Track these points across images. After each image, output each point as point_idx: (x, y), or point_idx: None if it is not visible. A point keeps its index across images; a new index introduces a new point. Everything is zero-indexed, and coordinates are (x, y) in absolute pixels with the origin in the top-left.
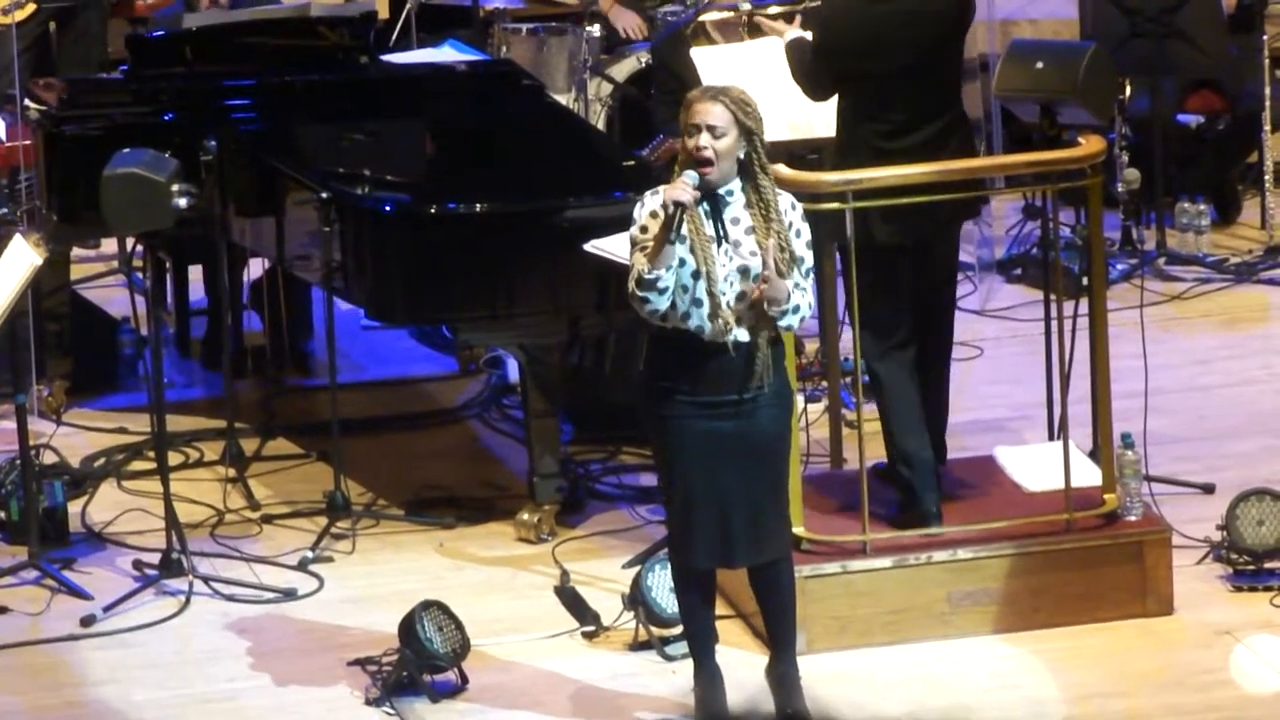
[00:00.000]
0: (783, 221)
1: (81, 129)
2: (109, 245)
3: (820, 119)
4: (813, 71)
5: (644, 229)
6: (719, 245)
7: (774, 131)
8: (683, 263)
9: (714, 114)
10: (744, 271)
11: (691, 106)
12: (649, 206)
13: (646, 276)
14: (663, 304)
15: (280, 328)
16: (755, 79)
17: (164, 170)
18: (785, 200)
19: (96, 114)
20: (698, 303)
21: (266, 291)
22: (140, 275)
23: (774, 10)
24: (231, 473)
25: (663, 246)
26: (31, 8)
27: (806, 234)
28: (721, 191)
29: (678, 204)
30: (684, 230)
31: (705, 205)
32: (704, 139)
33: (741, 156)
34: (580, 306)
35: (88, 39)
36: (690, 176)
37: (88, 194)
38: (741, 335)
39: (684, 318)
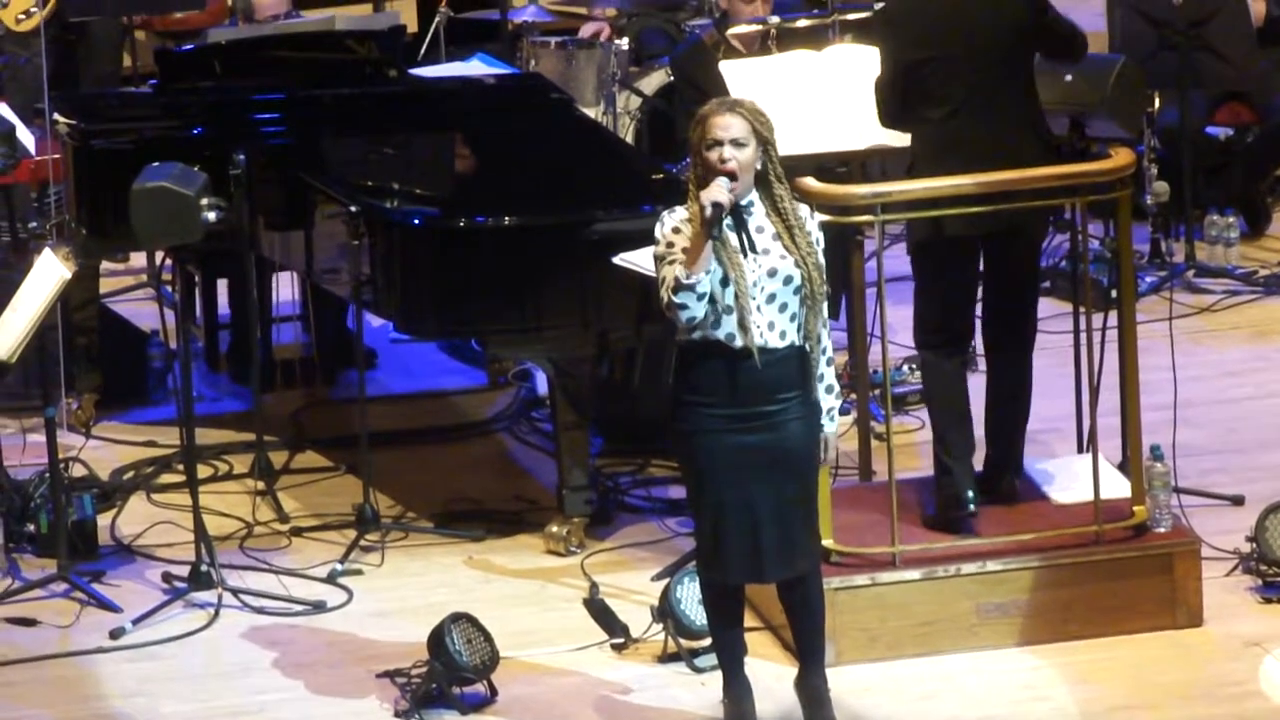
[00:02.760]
0: (805, 230)
1: (110, 143)
2: (138, 259)
3: (849, 132)
4: (885, 82)
5: (670, 245)
6: (745, 255)
7: (802, 144)
8: (715, 266)
9: (734, 126)
10: (773, 273)
11: (708, 120)
12: (670, 223)
13: (686, 281)
14: (701, 311)
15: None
16: (784, 91)
17: (193, 184)
18: (804, 209)
19: (125, 128)
20: (728, 309)
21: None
22: (169, 289)
23: (800, 24)
24: (261, 486)
25: (701, 249)
26: (37, 19)
27: (822, 241)
28: (742, 204)
29: (716, 205)
30: (715, 234)
31: (729, 220)
32: (728, 151)
33: (759, 167)
34: (609, 320)
35: (103, 55)
36: (723, 180)
37: (117, 208)
38: (774, 341)
39: (714, 325)
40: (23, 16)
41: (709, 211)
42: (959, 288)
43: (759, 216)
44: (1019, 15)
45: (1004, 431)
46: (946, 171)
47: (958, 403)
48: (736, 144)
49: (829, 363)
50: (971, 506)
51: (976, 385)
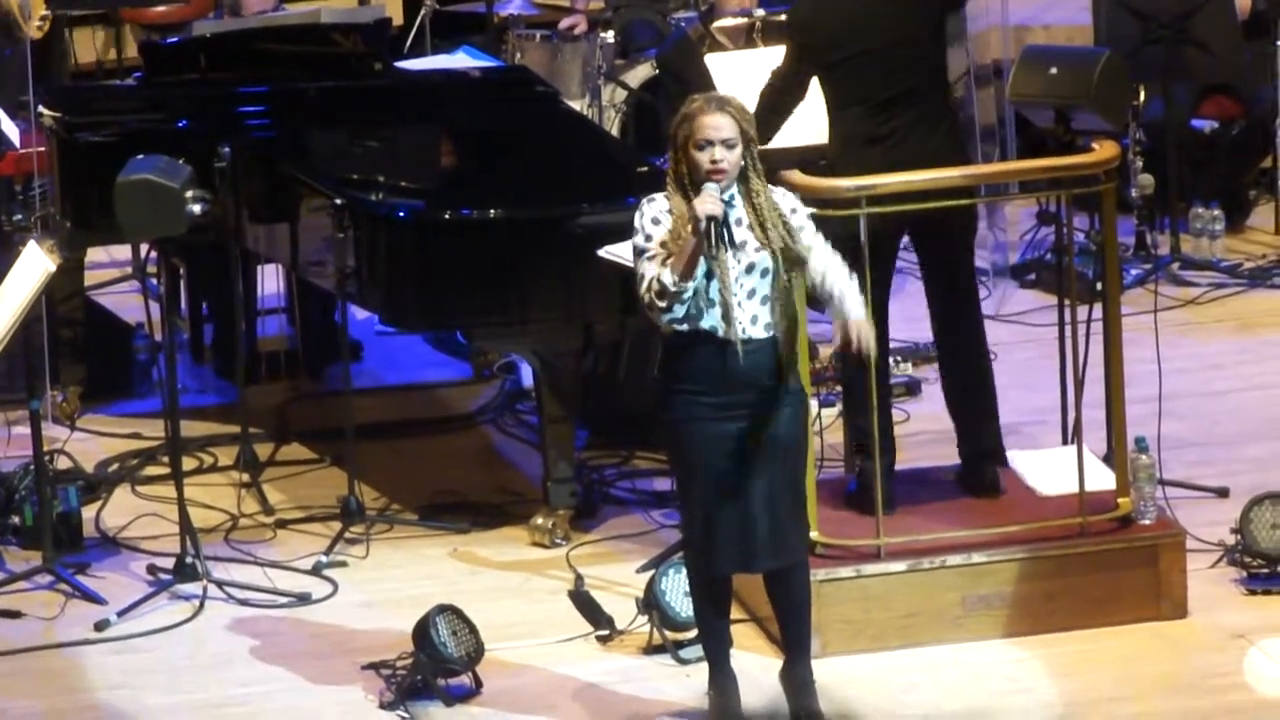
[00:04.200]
0: (776, 221)
1: (95, 136)
2: (122, 251)
3: None
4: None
5: (648, 237)
6: (728, 251)
7: (786, 138)
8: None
9: (725, 127)
10: (750, 269)
11: (697, 120)
12: (649, 214)
13: (673, 289)
14: (681, 312)
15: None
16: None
17: (178, 177)
18: (777, 193)
19: (110, 121)
20: (710, 303)
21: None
22: (154, 281)
23: (784, 18)
24: (246, 478)
25: (696, 261)
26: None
27: (804, 211)
28: (724, 198)
29: (710, 217)
30: (713, 254)
31: None
32: (719, 153)
33: (741, 163)
34: (594, 312)
35: (61, 53)
36: (712, 188)
37: (101, 201)
38: (756, 333)
39: (699, 318)
40: (39, 23)
41: (703, 225)
42: (877, 286)
43: (739, 210)
44: (932, 7)
45: (975, 423)
46: (867, 168)
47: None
48: (727, 145)
49: (840, 264)
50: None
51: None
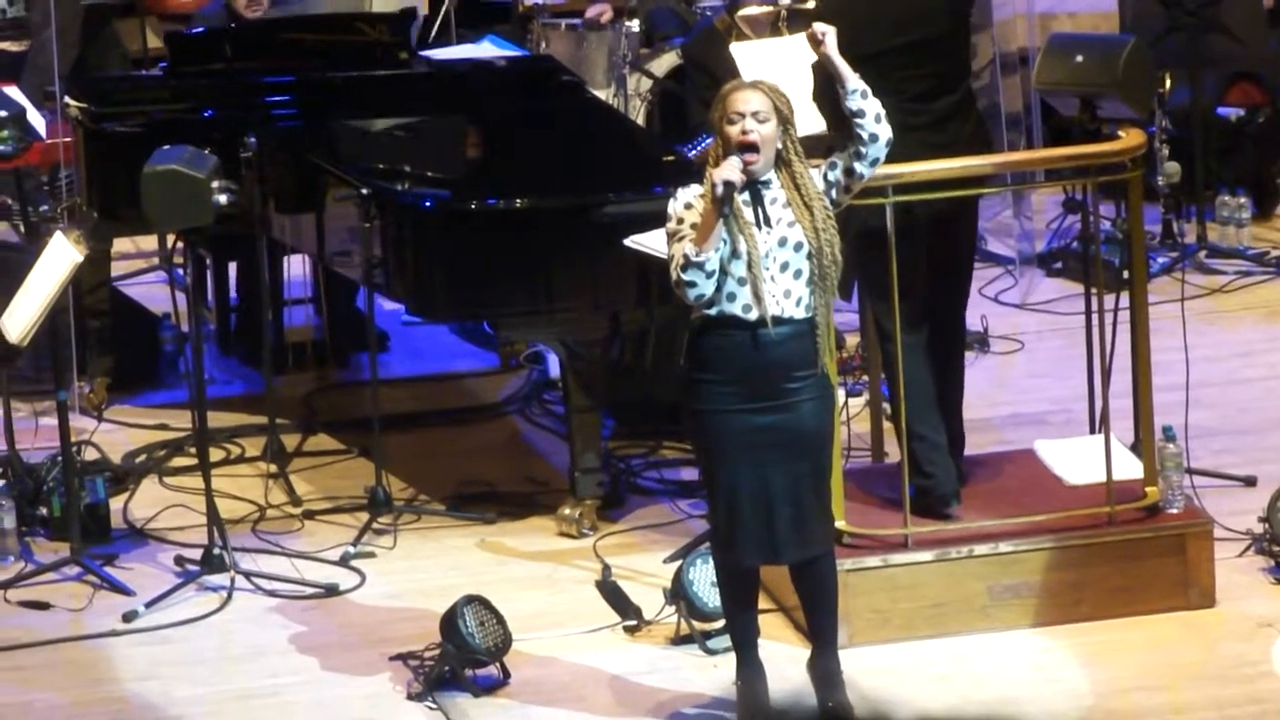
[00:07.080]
0: (826, 208)
1: (121, 126)
2: (149, 242)
3: None
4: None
5: (680, 221)
6: (759, 228)
7: (812, 125)
8: (723, 242)
9: (755, 100)
10: (783, 241)
11: (729, 97)
12: (683, 199)
13: (695, 259)
14: (709, 288)
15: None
16: (794, 73)
17: (204, 167)
18: (816, 174)
19: (136, 111)
20: (741, 282)
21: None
22: (181, 272)
23: (809, 6)
24: (273, 468)
25: (712, 227)
26: None
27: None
28: (761, 180)
29: (728, 183)
30: (725, 211)
31: (745, 195)
32: (749, 123)
33: (779, 146)
34: (621, 301)
35: (113, 43)
36: (735, 160)
37: (128, 191)
38: (791, 310)
39: (729, 299)
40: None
41: (720, 190)
42: (914, 271)
43: (775, 190)
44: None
45: (953, 413)
46: (908, 154)
47: (927, 393)
48: (757, 117)
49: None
50: (956, 505)
51: None
